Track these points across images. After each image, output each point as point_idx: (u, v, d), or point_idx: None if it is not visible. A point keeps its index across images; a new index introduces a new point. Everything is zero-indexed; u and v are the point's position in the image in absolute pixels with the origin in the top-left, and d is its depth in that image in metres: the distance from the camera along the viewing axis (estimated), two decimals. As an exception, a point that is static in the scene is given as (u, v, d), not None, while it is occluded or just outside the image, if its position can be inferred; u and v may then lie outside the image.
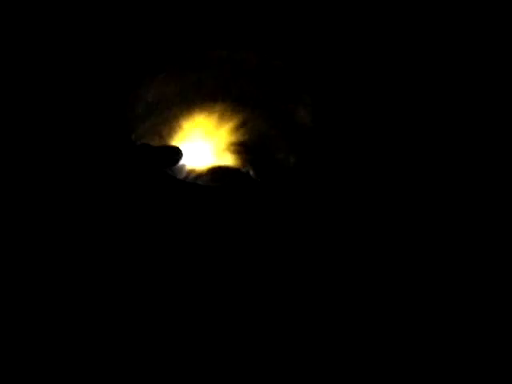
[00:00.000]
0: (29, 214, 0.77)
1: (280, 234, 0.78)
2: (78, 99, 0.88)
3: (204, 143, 0.93)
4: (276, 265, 0.76)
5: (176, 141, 0.92)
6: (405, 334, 0.73)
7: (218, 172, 0.93)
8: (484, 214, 0.82)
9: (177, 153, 0.87)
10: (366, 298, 0.75)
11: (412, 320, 0.74)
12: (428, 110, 0.92)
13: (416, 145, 0.88)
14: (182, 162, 0.89)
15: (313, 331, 0.72)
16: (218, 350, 0.70)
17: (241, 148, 0.96)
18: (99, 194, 0.79)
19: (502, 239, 0.80)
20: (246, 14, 0.98)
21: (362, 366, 0.71)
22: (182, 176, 0.92)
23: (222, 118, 0.93)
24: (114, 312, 0.72)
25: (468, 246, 0.79)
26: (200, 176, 0.93)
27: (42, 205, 0.78)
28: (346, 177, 0.83)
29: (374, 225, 0.80)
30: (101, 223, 0.78)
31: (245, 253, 0.76)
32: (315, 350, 0.71)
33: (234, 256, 0.76)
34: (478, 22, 1.01)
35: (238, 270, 0.76)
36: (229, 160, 0.95)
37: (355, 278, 0.76)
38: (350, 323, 0.73)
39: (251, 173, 0.94)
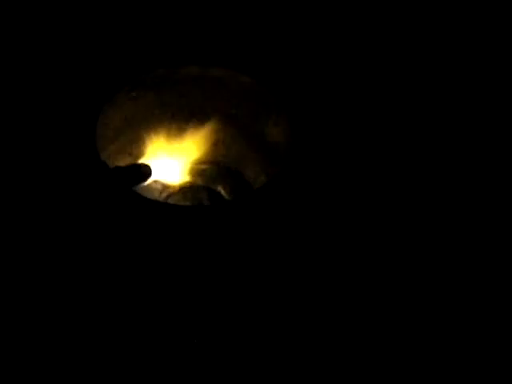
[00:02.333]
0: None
1: (250, 252, 0.79)
2: (47, 120, 0.87)
3: (175, 161, 0.93)
4: (248, 282, 0.78)
5: (146, 159, 0.92)
6: (403, 334, 0.75)
7: (189, 190, 0.93)
8: (484, 216, 0.85)
9: (146, 169, 0.86)
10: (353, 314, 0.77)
11: (411, 322, 0.76)
12: (405, 123, 0.93)
13: (391, 164, 0.89)
14: (153, 179, 0.89)
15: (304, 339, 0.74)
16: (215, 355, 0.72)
17: (212, 166, 0.97)
18: (70, 216, 0.79)
19: (502, 239, 0.83)
20: (216, 31, 0.98)
21: (362, 366, 0.73)
22: (153, 195, 0.92)
23: (193, 135, 0.93)
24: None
25: (468, 249, 0.82)
26: (171, 195, 0.93)
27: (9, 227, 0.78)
28: (317, 196, 0.85)
29: (347, 239, 0.82)
30: (70, 245, 0.78)
31: (217, 271, 0.77)
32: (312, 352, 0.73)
33: (208, 274, 0.77)
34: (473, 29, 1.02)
35: (211, 289, 0.77)
36: (200, 178, 0.96)
37: (333, 292, 0.78)
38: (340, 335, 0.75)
39: (222, 191, 0.95)
